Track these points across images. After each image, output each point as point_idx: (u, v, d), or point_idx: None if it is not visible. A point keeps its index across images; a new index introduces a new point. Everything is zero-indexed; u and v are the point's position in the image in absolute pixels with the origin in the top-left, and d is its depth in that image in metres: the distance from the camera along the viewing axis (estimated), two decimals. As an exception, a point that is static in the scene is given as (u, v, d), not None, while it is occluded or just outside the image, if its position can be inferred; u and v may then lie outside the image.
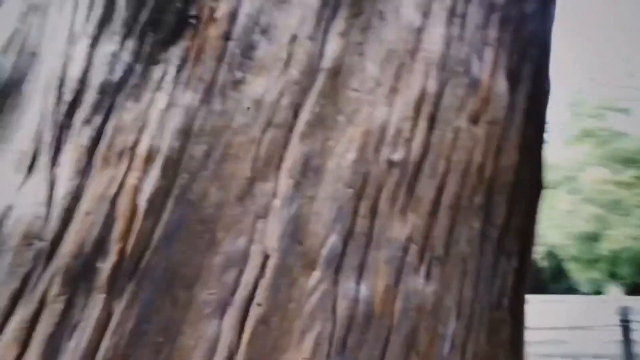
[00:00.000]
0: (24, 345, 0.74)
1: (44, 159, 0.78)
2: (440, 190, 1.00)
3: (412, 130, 0.96)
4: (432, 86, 0.98)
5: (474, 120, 1.05)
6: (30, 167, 0.79)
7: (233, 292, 0.83)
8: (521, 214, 1.27)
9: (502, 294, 1.27)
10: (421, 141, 0.97)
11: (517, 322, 1.41)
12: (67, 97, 0.79)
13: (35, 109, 0.81)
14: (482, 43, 1.08)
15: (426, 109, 0.98)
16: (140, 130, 0.79)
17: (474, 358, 1.11)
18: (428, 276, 0.99)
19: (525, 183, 1.28)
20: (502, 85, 1.11)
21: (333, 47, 0.90)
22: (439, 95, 0.99)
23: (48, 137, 0.79)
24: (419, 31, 0.97)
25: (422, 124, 0.97)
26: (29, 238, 0.76)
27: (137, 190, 0.78)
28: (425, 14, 0.99)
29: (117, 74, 0.79)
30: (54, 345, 0.74)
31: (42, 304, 0.75)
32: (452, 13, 1.01)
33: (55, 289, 0.76)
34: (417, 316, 0.96)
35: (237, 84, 0.83)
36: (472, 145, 1.04)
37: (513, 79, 1.15)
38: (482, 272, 1.11)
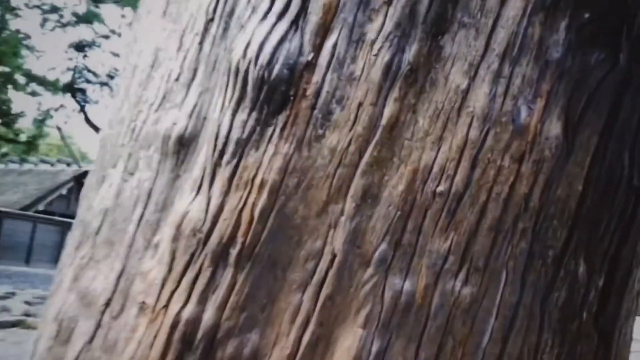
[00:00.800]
0: (188, 296, 1.27)
1: (205, 184, 1.31)
2: (481, 214, 1.27)
3: (455, 169, 1.26)
4: (474, 134, 1.26)
5: (519, 160, 1.29)
6: (198, 189, 1.32)
7: (312, 276, 1.25)
8: (589, 240, 1.43)
9: (572, 308, 1.45)
10: (463, 177, 1.26)
11: (606, 338, 1.56)
12: (219, 147, 1.30)
13: (203, 153, 1.34)
14: (533, 96, 1.31)
15: (468, 152, 1.26)
16: (257, 168, 1.26)
17: (523, 352, 1.35)
18: (466, 281, 1.27)
19: (598, 212, 1.43)
20: (553, 129, 1.31)
21: (391, 109, 1.26)
22: (483, 140, 1.27)
23: (208, 171, 1.31)
24: (465, 92, 1.27)
25: (465, 163, 1.26)
26: (194, 231, 1.29)
27: (254, 206, 1.26)
28: (472, 77, 1.27)
29: (246, 133, 1.28)
30: (203, 298, 1.25)
31: (199, 271, 1.27)
32: (497, 75, 1.28)
33: (206, 263, 1.27)
34: (454, 311, 1.26)
35: (318, 138, 1.25)
36: (514, 179, 1.28)
37: (570, 123, 1.34)
38: (530, 281, 1.33)
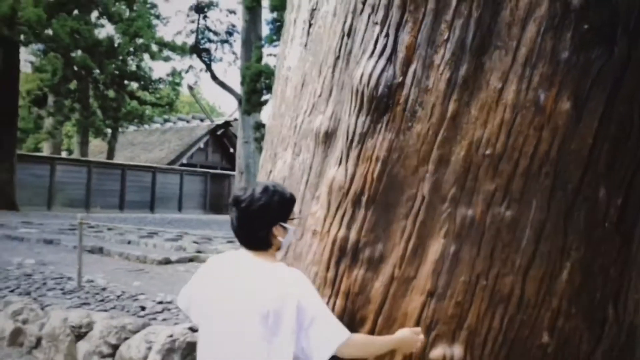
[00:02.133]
0: (339, 225, 2.21)
1: (343, 160, 2.21)
2: (515, 166, 2.03)
3: (496, 139, 2.03)
4: (508, 117, 2.01)
5: (540, 129, 2.01)
6: (339, 163, 2.22)
7: (410, 210, 2.11)
8: (605, 174, 2.10)
9: (595, 219, 2.14)
10: (501, 144, 2.02)
11: (627, 241, 2.25)
12: (349, 137, 2.19)
13: (340, 141, 2.24)
14: (548, 86, 2.01)
15: (505, 128, 2.02)
16: (373, 149, 2.13)
17: (552, 252, 2.11)
18: (508, 207, 2.05)
19: (613, 157, 2.09)
20: (564, 105, 2.01)
21: (452, 106, 2.04)
22: (513, 120, 2.01)
23: (345, 152, 2.21)
24: (500, 90, 2.01)
25: (502, 136, 2.02)
26: (340, 188, 2.21)
27: (373, 171, 2.14)
28: (504, 80, 2.01)
29: (365, 128, 2.15)
30: (349, 226, 2.19)
31: (345, 210, 2.20)
32: (521, 77, 2.00)
33: (349, 206, 2.20)
34: (501, 226, 2.06)
35: (409, 128, 2.09)
36: (537, 141, 2.02)
37: (578, 99, 2.02)
38: (554, 205, 2.06)
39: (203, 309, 1.94)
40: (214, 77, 30.67)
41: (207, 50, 29.90)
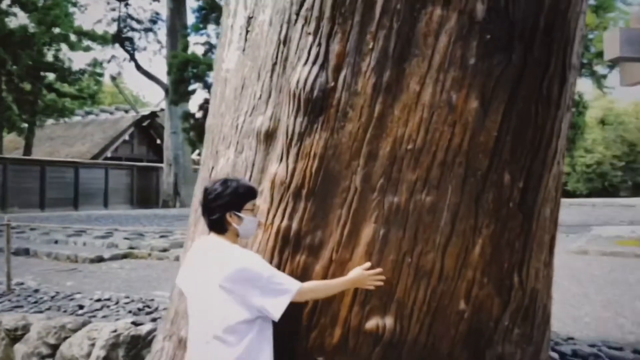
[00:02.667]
0: (282, 217, 2.44)
1: (284, 157, 2.44)
2: (433, 158, 2.34)
3: (416, 135, 2.33)
4: (426, 115, 2.31)
5: (453, 125, 2.33)
6: (280, 160, 2.45)
7: (345, 200, 2.38)
8: (509, 162, 2.46)
9: (501, 200, 2.50)
10: (421, 139, 2.33)
11: (529, 218, 2.62)
12: (289, 136, 2.42)
13: (280, 140, 2.47)
14: (459, 88, 2.33)
15: (424, 125, 2.32)
16: (311, 146, 2.38)
17: (466, 230, 2.45)
18: (428, 193, 2.37)
19: (514, 146, 2.45)
20: (472, 104, 2.34)
21: (378, 108, 2.32)
22: (431, 118, 2.32)
23: (285, 149, 2.44)
24: (418, 93, 2.31)
25: (422, 132, 2.32)
26: (282, 182, 2.44)
27: (311, 167, 2.38)
28: (422, 84, 2.31)
29: (303, 128, 2.38)
30: (291, 217, 2.43)
31: (287, 203, 2.44)
32: (436, 80, 2.30)
33: (290, 199, 2.43)
34: (422, 210, 2.37)
35: (342, 127, 2.34)
36: (451, 136, 2.33)
37: (484, 99, 2.35)
38: (467, 190, 2.40)
39: (183, 287, 2.29)
40: (138, 67, 29.79)
41: (130, 39, 28.98)
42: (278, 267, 2.42)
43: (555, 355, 3.68)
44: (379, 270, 2.36)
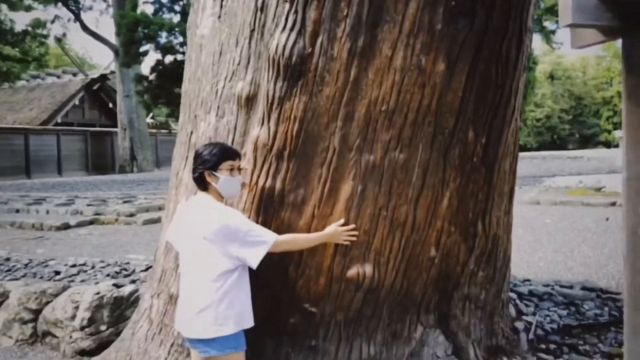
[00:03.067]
0: (266, 177, 2.60)
1: (265, 120, 2.58)
2: (405, 118, 2.53)
3: (389, 97, 2.50)
4: (398, 78, 2.48)
5: (423, 86, 2.51)
6: (262, 123, 2.59)
7: (325, 159, 2.54)
8: (473, 119, 2.67)
9: (466, 156, 2.72)
10: (394, 100, 2.50)
11: (490, 171, 2.86)
12: (269, 100, 2.55)
13: (261, 104, 2.60)
14: (427, 51, 2.49)
15: (396, 88, 2.49)
16: (291, 110, 2.52)
17: (435, 184, 2.67)
18: (401, 151, 2.56)
19: (477, 105, 2.66)
20: (440, 66, 2.51)
21: (354, 71, 2.47)
22: (402, 80, 2.49)
23: (266, 113, 2.58)
24: (390, 57, 2.46)
25: (394, 94, 2.49)
26: (264, 144, 2.58)
27: (292, 129, 2.53)
28: (393, 49, 2.46)
29: (283, 92, 2.52)
30: (274, 176, 2.59)
31: (270, 162, 2.59)
32: (407, 45, 2.46)
33: (273, 159, 2.59)
34: (396, 166, 2.56)
35: (320, 91, 2.49)
36: (421, 97, 2.52)
37: (450, 61, 2.53)
38: (435, 147, 2.61)
39: (174, 242, 2.53)
40: (84, 28, 28.54)
41: (74, -2, 27.66)
42: (264, 224, 2.59)
43: (513, 295, 4.04)
44: (352, 226, 2.57)
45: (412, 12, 2.45)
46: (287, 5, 2.47)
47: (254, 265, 2.27)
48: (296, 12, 2.45)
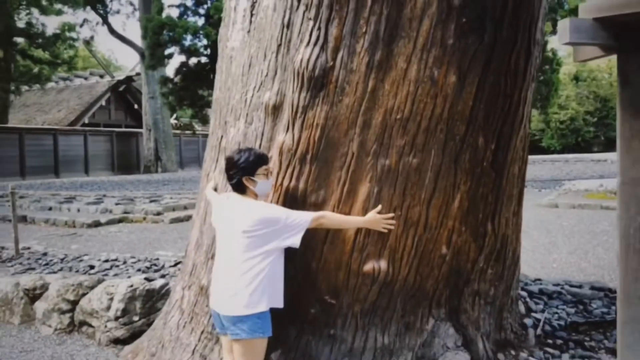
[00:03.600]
0: (290, 177, 2.85)
1: (290, 127, 2.82)
2: (418, 126, 2.75)
3: (404, 106, 2.72)
4: (412, 89, 2.70)
5: (435, 97, 2.73)
6: (287, 129, 2.83)
7: (344, 164, 2.78)
8: (483, 127, 2.88)
9: (476, 160, 2.93)
10: (408, 109, 2.72)
11: (500, 175, 3.06)
12: (294, 109, 2.80)
13: (286, 112, 2.84)
14: (440, 64, 2.71)
15: (410, 98, 2.71)
16: (314, 118, 2.76)
17: (447, 187, 2.88)
18: (414, 156, 2.78)
19: (487, 113, 2.86)
20: (451, 78, 2.73)
21: (371, 83, 2.70)
22: (416, 91, 2.71)
23: (291, 120, 2.82)
24: (405, 70, 2.69)
25: (409, 103, 2.71)
26: (289, 149, 2.83)
27: (314, 135, 2.77)
28: (408, 62, 2.68)
29: (306, 102, 2.76)
30: (297, 178, 2.83)
31: (293, 167, 2.83)
32: (420, 59, 2.68)
33: (297, 163, 2.83)
34: (410, 169, 2.78)
35: (340, 101, 2.72)
36: (433, 106, 2.73)
37: (461, 73, 2.74)
38: (447, 152, 2.82)
39: (217, 228, 2.77)
40: (112, 31, 29.26)
41: (102, 2, 28.35)
42: (288, 222, 2.83)
43: (524, 293, 4.22)
44: (390, 215, 2.79)
45: (425, 29, 2.67)
46: (311, 23, 2.71)
47: (297, 244, 2.55)
48: (319, 29, 2.69)
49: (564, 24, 2.10)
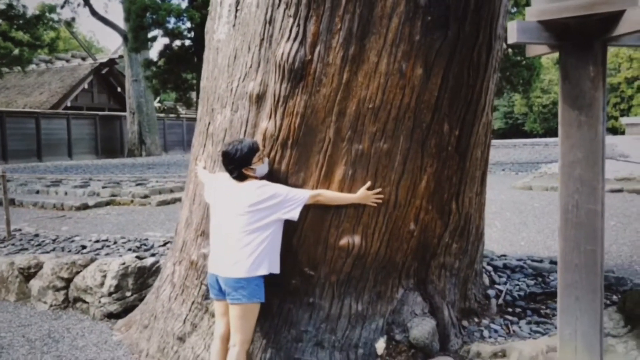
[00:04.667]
0: (272, 163, 3.13)
1: (272, 115, 3.10)
2: (388, 114, 3.04)
3: (375, 96, 3.00)
4: (382, 81, 2.98)
5: (403, 88, 3.02)
6: (269, 117, 3.11)
7: (321, 148, 3.06)
8: (447, 114, 3.18)
9: (441, 145, 3.23)
10: (379, 99, 3.00)
11: (463, 158, 3.37)
12: (276, 98, 3.08)
13: (269, 101, 3.12)
14: (407, 58, 2.99)
15: (381, 89, 2.99)
16: (294, 107, 3.04)
17: (414, 169, 3.18)
18: (385, 141, 3.07)
19: (451, 102, 3.16)
20: (418, 71, 3.01)
21: (345, 75, 2.98)
22: (386, 82, 2.99)
23: (273, 109, 3.10)
24: (376, 63, 2.97)
25: (380, 93, 3.00)
26: (271, 135, 3.11)
27: (294, 122, 3.05)
28: (379, 56, 2.96)
29: (287, 92, 3.04)
30: (279, 162, 3.12)
31: (276, 150, 3.12)
32: (390, 53, 2.96)
33: (279, 147, 3.11)
34: (380, 153, 3.08)
35: (318, 91, 3.00)
36: (402, 96, 3.02)
37: (427, 66, 3.03)
38: (414, 138, 3.12)
39: (211, 203, 3.09)
40: (93, 13, 28.96)
41: (83, -17, 28.01)
42: (270, 201, 3.12)
43: (489, 267, 4.58)
44: (379, 189, 3.11)
45: (394, 26, 2.94)
46: (291, 20, 2.97)
47: (296, 217, 2.90)
48: (298, 25, 2.96)
49: (512, 26, 2.39)
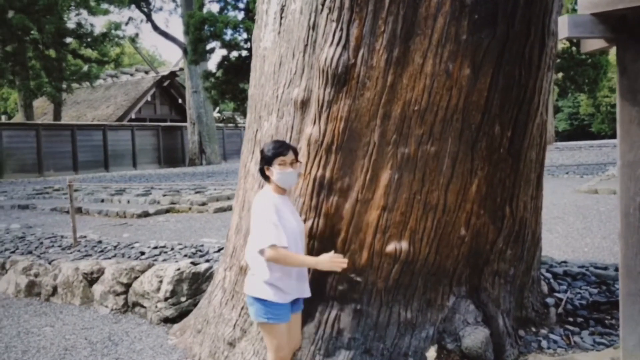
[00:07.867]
0: (318, 166, 3.12)
1: (317, 120, 3.09)
2: (435, 116, 2.96)
3: (421, 98, 2.93)
4: (428, 82, 2.91)
5: (450, 88, 2.93)
6: (314, 122, 3.10)
7: (366, 153, 3.02)
8: (498, 115, 3.06)
9: (493, 147, 3.12)
10: (425, 101, 2.94)
11: (517, 160, 3.24)
12: (320, 103, 3.07)
13: (313, 106, 3.11)
14: (455, 58, 2.91)
15: (427, 90, 2.92)
16: (338, 111, 3.02)
17: (464, 172, 3.08)
18: (432, 144, 2.99)
19: (502, 103, 3.05)
20: (465, 71, 2.92)
21: (390, 77, 2.93)
22: (432, 84, 2.92)
23: (317, 114, 3.09)
24: (421, 65, 2.90)
25: (425, 95, 2.93)
26: (316, 141, 3.10)
27: (339, 127, 3.03)
28: (424, 57, 2.90)
29: (331, 97, 3.02)
30: (324, 166, 3.10)
31: (321, 153, 3.10)
32: (435, 54, 2.89)
33: (324, 151, 3.10)
34: (427, 156, 3.00)
35: (362, 95, 2.97)
36: (449, 98, 2.94)
37: (475, 66, 2.93)
38: (463, 140, 3.02)
39: None
40: (155, 28, 30.19)
41: (146, 0, 29.29)
42: (316, 207, 3.11)
43: (548, 275, 4.36)
44: (340, 256, 2.76)
45: (439, 26, 2.87)
46: (334, 24, 2.96)
47: (247, 255, 2.85)
48: (341, 30, 2.94)
49: (563, 20, 2.28)
